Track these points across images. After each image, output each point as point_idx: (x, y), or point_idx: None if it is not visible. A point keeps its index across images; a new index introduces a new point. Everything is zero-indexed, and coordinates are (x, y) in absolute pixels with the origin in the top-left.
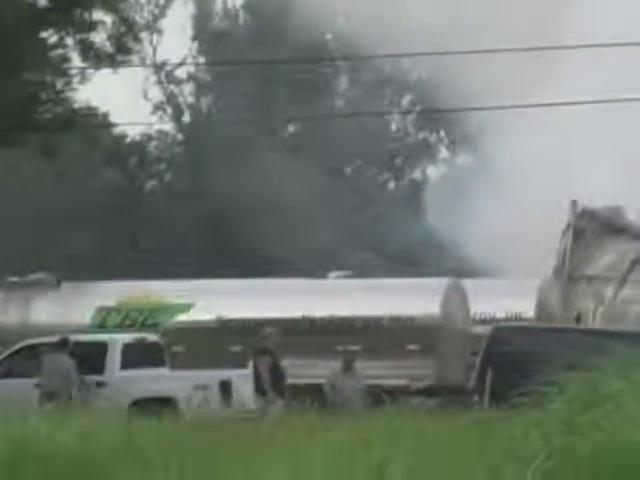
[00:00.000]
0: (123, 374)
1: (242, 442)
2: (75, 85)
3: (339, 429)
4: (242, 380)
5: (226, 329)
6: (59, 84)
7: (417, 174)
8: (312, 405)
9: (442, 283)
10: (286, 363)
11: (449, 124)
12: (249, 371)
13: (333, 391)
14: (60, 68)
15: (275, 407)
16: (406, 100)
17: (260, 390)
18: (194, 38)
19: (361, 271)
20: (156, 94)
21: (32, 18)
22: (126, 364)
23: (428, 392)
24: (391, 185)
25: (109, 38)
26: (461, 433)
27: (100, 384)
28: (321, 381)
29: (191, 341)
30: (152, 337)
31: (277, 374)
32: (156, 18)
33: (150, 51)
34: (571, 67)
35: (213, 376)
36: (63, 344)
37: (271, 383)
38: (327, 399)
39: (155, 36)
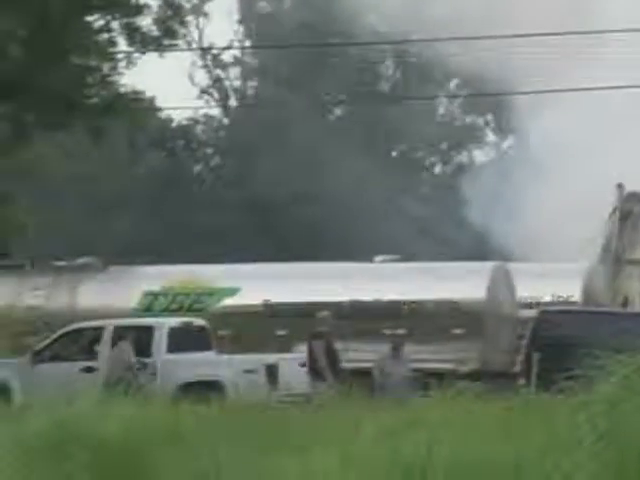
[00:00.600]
0: (170, 358)
1: (290, 426)
2: (121, 69)
3: (387, 412)
4: (288, 364)
5: (272, 313)
6: (105, 68)
7: (464, 158)
8: (359, 389)
9: (488, 267)
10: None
11: (496, 108)
12: (295, 355)
13: (382, 375)
14: (106, 52)
15: (331, 390)
16: (453, 84)
17: (315, 373)
18: (240, 21)
19: (407, 255)
20: (202, 78)
21: (78, 2)
22: (173, 348)
23: (474, 376)
24: (437, 169)
25: (155, 22)
26: (507, 416)
27: (144, 367)
28: (367, 365)
29: (237, 325)
30: (199, 321)
31: (332, 357)
32: (202, 1)
33: (196, 35)
34: (612, 50)
35: (259, 360)
36: (125, 332)
37: (332, 366)
38: (375, 383)
39: (201, 19)
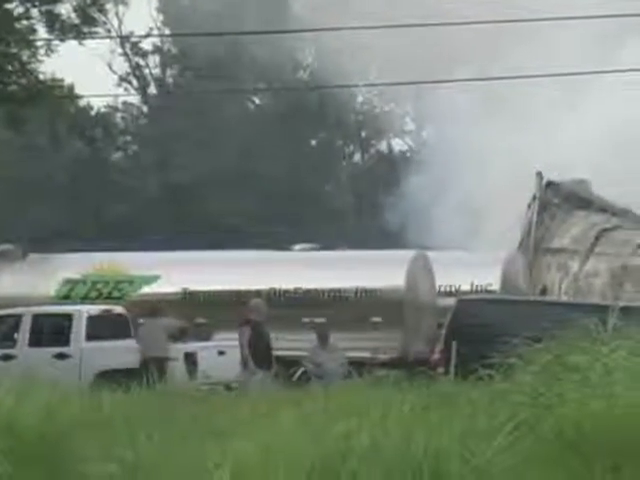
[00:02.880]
0: (89, 346)
1: (209, 414)
2: (41, 57)
3: (307, 402)
4: (207, 352)
5: (191, 301)
6: (25, 56)
7: (383, 146)
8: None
9: (407, 255)
10: None
11: (415, 97)
12: (214, 343)
13: (315, 367)
14: (26, 39)
15: (256, 378)
16: (372, 72)
17: (243, 361)
18: (159, 10)
19: (326, 243)
20: (122, 66)
21: None
22: (91, 336)
23: (393, 364)
24: (357, 157)
25: (75, 9)
26: (426, 405)
27: (64, 356)
28: (287, 353)
29: (147, 311)
30: (118, 309)
31: (262, 345)
32: None
33: (116, 23)
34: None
35: (178, 348)
36: (154, 311)
37: (253, 355)
38: (310, 374)
39: (121, 7)
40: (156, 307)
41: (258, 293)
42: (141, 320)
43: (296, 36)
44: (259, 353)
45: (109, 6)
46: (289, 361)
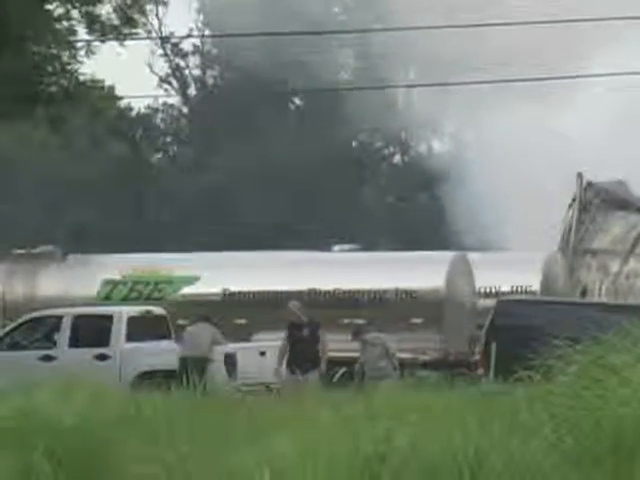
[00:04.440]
0: (128, 346)
1: (249, 414)
2: (81, 58)
3: (348, 403)
4: (247, 353)
5: (231, 302)
6: (65, 56)
7: (422, 148)
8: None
9: (447, 256)
10: None
11: (455, 99)
12: (254, 344)
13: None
14: (66, 40)
15: (303, 380)
16: (412, 73)
17: (291, 363)
18: (199, 10)
19: (366, 244)
20: (162, 67)
21: None
22: (131, 337)
23: (433, 365)
24: (396, 159)
25: (115, 10)
26: (466, 406)
27: (105, 357)
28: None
29: (196, 314)
30: (158, 310)
31: (300, 347)
32: None
33: (156, 23)
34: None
35: (219, 349)
36: (204, 317)
37: (289, 357)
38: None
39: (161, 8)
40: (206, 314)
41: (298, 294)
42: (185, 321)
43: (337, 37)
44: (297, 355)
45: (149, 7)
46: (330, 362)
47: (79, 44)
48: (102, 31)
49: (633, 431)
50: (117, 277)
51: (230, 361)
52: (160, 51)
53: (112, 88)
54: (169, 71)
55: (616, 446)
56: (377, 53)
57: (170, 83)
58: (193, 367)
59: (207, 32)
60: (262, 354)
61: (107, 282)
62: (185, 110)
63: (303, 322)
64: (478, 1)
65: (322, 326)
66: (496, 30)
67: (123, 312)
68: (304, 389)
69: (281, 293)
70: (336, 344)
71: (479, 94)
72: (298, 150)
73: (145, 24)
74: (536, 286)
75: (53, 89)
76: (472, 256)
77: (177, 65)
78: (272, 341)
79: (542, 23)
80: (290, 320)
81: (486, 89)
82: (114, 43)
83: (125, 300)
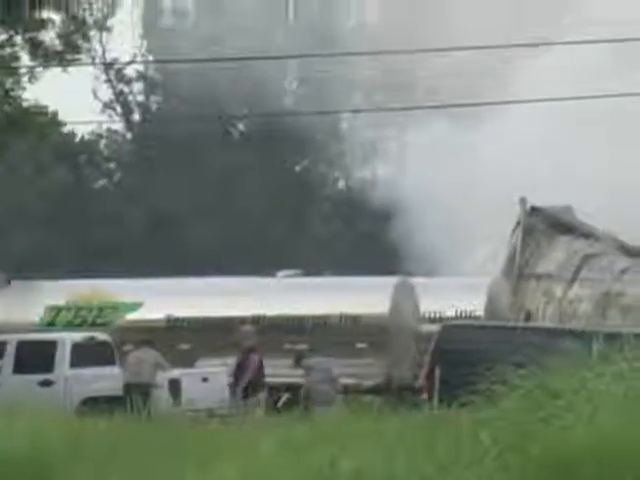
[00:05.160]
0: (72, 373)
1: (193, 440)
2: (24, 84)
3: (292, 428)
4: (191, 379)
5: (175, 328)
6: (8, 83)
7: (367, 173)
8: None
9: (391, 282)
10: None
11: (400, 123)
12: (198, 370)
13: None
14: (9, 67)
15: (254, 405)
16: (356, 99)
17: (244, 388)
18: (143, 36)
19: (310, 270)
20: (105, 92)
21: None
22: (76, 363)
23: (377, 390)
24: (341, 183)
25: (58, 36)
26: (410, 431)
27: (49, 383)
28: (270, 380)
29: (140, 339)
30: (102, 336)
31: (260, 372)
32: (105, 16)
33: (99, 49)
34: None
35: (163, 375)
36: (146, 342)
37: (254, 381)
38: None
39: (104, 34)
40: (148, 339)
41: (242, 320)
42: (129, 347)
43: (280, 63)
44: (257, 380)
45: (93, 33)
46: (273, 387)
47: (22, 70)
48: (46, 57)
49: (578, 456)
50: (61, 303)
51: (174, 387)
52: (104, 77)
53: (56, 114)
54: (113, 97)
55: (561, 471)
56: (320, 78)
57: (114, 109)
58: (137, 393)
59: (151, 58)
60: (205, 380)
61: (51, 308)
62: (129, 136)
63: (255, 346)
64: (419, 24)
65: (266, 352)
66: (438, 54)
67: (67, 338)
68: (249, 414)
69: (225, 319)
70: (280, 370)
71: (421, 118)
72: (242, 176)
73: (89, 50)
74: (480, 311)
75: None
76: (416, 281)
77: (121, 91)
78: (216, 367)
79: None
80: (244, 345)
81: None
82: (57, 69)
83: (69, 326)
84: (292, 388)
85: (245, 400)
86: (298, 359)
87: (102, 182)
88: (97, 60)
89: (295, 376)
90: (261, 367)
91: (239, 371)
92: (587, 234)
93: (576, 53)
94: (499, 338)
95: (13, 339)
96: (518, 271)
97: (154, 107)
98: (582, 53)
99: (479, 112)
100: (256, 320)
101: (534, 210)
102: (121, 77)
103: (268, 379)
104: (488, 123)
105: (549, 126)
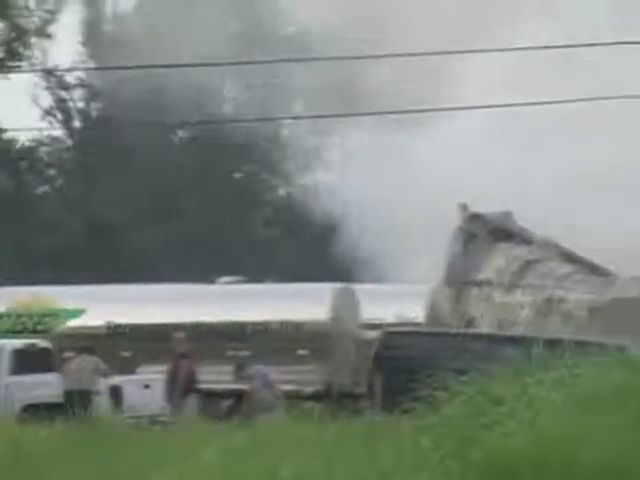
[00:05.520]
0: (13, 380)
1: (134, 446)
2: None
3: (233, 434)
4: (132, 386)
5: (117, 335)
6: None
7: (308, 180)
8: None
9: (332, 288)
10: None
11: (341, 130)
12: (139, 377)
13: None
14: None
15: (188, 411)
16: (298, 106)
17: (177, 394)
18: (84, 44)
19: (252, 276)
20: (46, 99)
21: None
22: (16, 370)
23: (318, 397)
24: (282, 190)
25: None
26: (351, 438)
27: None
28: (213, 386)
29: (81, 346)
30: (42, 343)
31: (191, 378)
32: (46, 23)
33: (40, 56)
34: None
35: (104, 382)
36: (86, 349)
37: (185, 387)
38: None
39: (45, 42)
40: (88, 345)
41: (183, 326)
42: (70, 354)
43: (221, 70)
44: (179, 385)
45: (33, 40)
46: (215, 394)
47: None
48: None
49: (519, 461)
50: (1, 310)
51: (116, 394)
52: (44, 84)
53: None
54: (53, 104)
55: (502, 477)
56: (261, 85)
57: (55, 116)
58: (78, 400)
59: (91, 65)
60: (146, 387)
61: None
62: (70, 143)
63: (187, 353)
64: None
65: (208, 358)
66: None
67: (7, 345)
68: (190, 421)
69: (166, 326)
70: (222, 376)
71: (363, 124)
72: (183, 182)
73: (30, 57)
74: (421, 317)
75: None
76: (358, 287)
77: (61, 98)
78: (157, 374)
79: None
80: (177, 351)
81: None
82: None
83: (9, 333)
84: (233, 395)
85: (182, 404)
86: (239, 369)
87: (43, 189)
88: (38, 67)
89: (236, 382)
90: (192, 373)
91: (171, 378)
92: (527, 240)
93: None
94: (440, 345)
95: None
96: (459, 278)
97: (95, 114)
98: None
99: (422, 118)
100: (197, 327)
101: (474, 216)
102: (61, 84)
103: (210, 386)
104: (430, 128)
105: (492, 131)
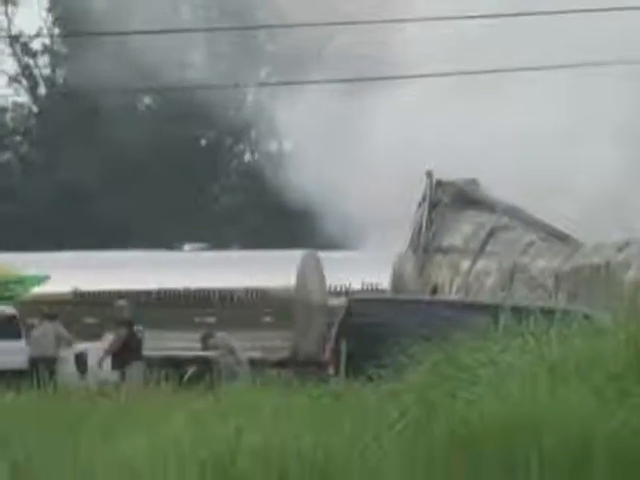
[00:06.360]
0: None
1: (99, 413)
2: None
3: (198, 401)
4: (97, 352)
5: (81, 301)
6: None
7: (273, 146)
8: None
9: (297, 255)
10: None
11: (305, 97)
12: (104, 343)
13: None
14: None
15: (130, 377)
16: (263, 72)
17: (118, 360)
18: (49, 10)
19: (217, 243)
20: (11, 66)
21: None
22: None
23: (284, 364)
24: (247, 156)
25: None
26: (316, 405)
27: None
28: (177, 353)
29: (45, 313)
30: (8, 309)
31: (134, 343)
32: None
33: (5, 23)
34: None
35: (69, 349)
36: (49, 315)
37: (127, 353)
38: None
39: (10, 7)
40: (51, 312)
41: (148, 293)
42: (34, 321)
43: (185, 37)
44: (133, 351)
45: None
46: (180, 361)
47: None
48: None
49: (484, 428)
50: None
51: (81, 360)
52: (9, 50)
53: None
54: (19, 70)
55: (468, 443)
56: (226, 51)
57: (20, 82)
58: (42, 367)
59: (57, 31)
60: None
61: None
62: (35, 109)
63: (130, 320)
64: None
65: (174, 325)
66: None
67: None
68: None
69: (131, 292)
70: (186, 343)
71: (328, 91)
72: (148, 149)
73: None
74: (386, 284)
75: None
76: (323, 254)
77: (27, 64)
78: None
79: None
80: (119, 318)
81: (337, 86)
82: None
83: None
84: (198, 362)
85: (122, 371)
86: (204, 339)
87: (7, 155)
88: (2, 33)
89: (201, 349)
90: (131, 338)
91: (116, 346)
92: (493, 207)
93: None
94: (405, 312)
95: None
96: (424, 244)
97: (60, 80)
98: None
99: (386, 83)
100: (162, 293)
101: (440, 183)
102: (27, 50)
103: (175, 353)
104: (400, 91)
105: (455, 95)
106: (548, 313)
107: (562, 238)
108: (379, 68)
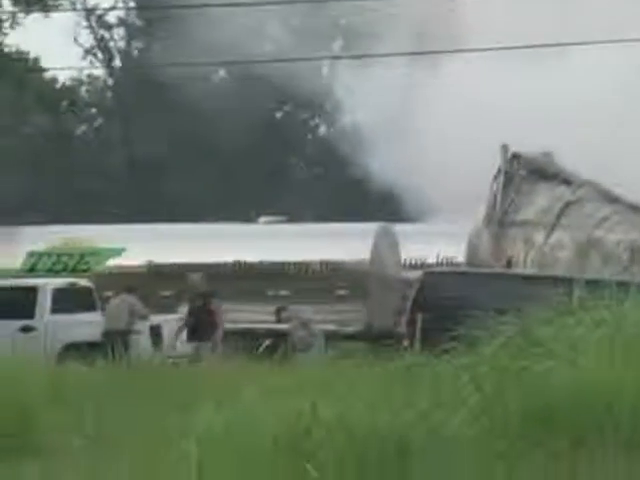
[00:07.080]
0: (53, 319)
1: (174, 386)
2: (5, 29)
3: (272, 375)
4: (172, 325)
5: (156, 274)
6: None
7: (347, 119)
8: (243, 350)
9: (372, 228)
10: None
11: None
12: (179, 316)
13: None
14: None
15: (205, 350)
16: (337, 45)
17: (193, 334)
18: None
19: (292, 216)
20: (87, 39)
21: None
22: (57, 309)
23: (358, 337)
24: (322, 130)
25: None
26: (391, 378)
27: (30, 329)
28: (251, 326)
29: (122, 286)
30: (83, 282)
31: (209, 316)
32: None
33: None
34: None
35: (143, 322)
36: (127, 288)
37: (203, 327)
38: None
39: None
40: (129, 284)
41: (223, 266)
42: (109, 293)
43: (262, 9)
44: (198, 326)
45: None
46: (254, 334)
47: (4, 16)
48: (27, 3)
49: (558, 402)
50: (41, 249)
51: (155, 333)
52: (85, 23)
53: (37, 60)
54: (94, 43)
55: (541, 417)
56: (302, 25)
57: (95, 55)
58: (116, 339)
59: (132, 4)
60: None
61: (32, 254)
62: (110, 82)
63: (205, 293)
64: None
65: (248, 298)
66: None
67: (48, 284)
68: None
69: (206, 265)
70: (261, 316)
71: (400, 65)
72: (224, 122)
73: None
74: (461, 258)
75: None
76: (398, 227)
77: (102, 37)
78: None
79: None
80: (194, 292)
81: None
82: (39, 15)
83: (50, 272)
84: (273, 335)
85: (198, 344)
86: (278, 312)
87: (83, 128)
88: (78, 6)
89: (276, 322)
90: (204, 312)
91: (193, 319)
92: (568, 181)
93: None
94: (480, 285)
95: None
96: (499, 218)
97: (135, 53)
98: None
99: (463, 56)
100: (237, 266)
101: (515, 156)
102: (102, 23)
103: (249, 325)
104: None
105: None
106: (623, 286)
107: (638, 211)
108: (448, 39)
